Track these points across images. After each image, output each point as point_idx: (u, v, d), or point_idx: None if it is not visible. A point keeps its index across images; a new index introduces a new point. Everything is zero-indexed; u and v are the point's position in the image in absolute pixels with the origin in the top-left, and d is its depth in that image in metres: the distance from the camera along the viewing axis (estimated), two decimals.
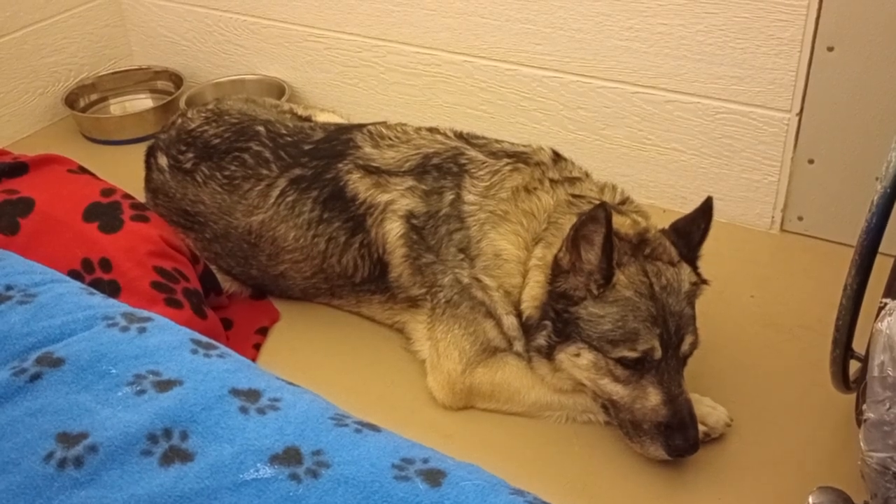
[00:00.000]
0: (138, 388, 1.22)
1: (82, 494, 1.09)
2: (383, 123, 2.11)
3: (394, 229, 1.94)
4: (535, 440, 1.82)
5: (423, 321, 1.96)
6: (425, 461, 1.15)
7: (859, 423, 1.39)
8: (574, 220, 1.70)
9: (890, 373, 1.27)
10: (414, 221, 1.92)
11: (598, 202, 1.69)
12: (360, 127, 2.11)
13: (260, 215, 2.06)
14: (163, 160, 2.22)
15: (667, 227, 1.81)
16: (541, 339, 1.76)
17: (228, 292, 2.21)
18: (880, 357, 1.28)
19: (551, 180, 1.88)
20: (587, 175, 1.96)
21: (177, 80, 3.14)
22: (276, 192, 2.04)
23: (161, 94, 3.18)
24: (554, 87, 2.54)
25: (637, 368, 1.67)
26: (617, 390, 1.70)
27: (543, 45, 2.50)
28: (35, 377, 1.23)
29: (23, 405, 1.19)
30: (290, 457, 1.13)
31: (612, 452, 1.78)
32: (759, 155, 2.34)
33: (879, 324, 1.30)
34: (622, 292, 1.66)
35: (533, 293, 1.77)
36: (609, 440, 1.80)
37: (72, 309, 1.37)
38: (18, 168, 2.10)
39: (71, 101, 3.03)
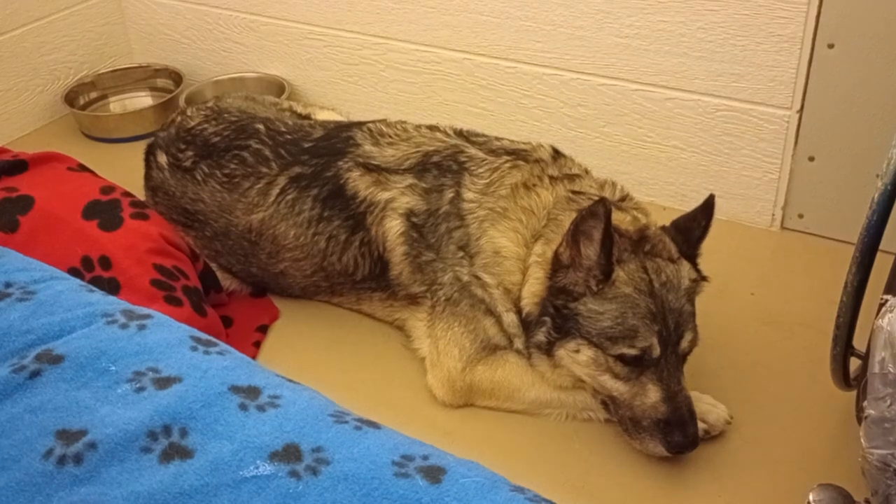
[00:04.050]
0: (138, 385, 1.22)
1: (82, 491, 1.09)
2: (383, 121, 2.10)
3: (394, 227, 1.93)
4: (535, 437, 1.82)
5: (424, 319, 1.96)
6: (425, 458, 1.15)
7: (860, 420, 1.39)
8: (574, 216, 1.70)
9: (891, 369, 1.27)
10: (414, 219, 1.92)
11: (597, 198, 1.69)
12: (359, 125, 2.10)
13: (260, 213, 2.06)
14: (162, 158, 2.21)
15: (667, 224, 1.80)
16: (540, 336, 1.76)
17: (228, 290, 2.21)
18: (881, 354, 1.28)
19: (551, 177, 1.88)
20: (587, 172, 1.96)
21: (176, 77, 3.13)
22: (275, 191, 2.04)
23: (161, 91, 3.17)
24: (554, 85, 2.54)
25: (636, 365, 1.67)
26: (616, 387, 1.70)
27: (543, 42, 2.50)
28: (34, 374, 1.23)
29: (22, 402, 1.19)
30: (289, 454, 1.13)
31: (612, 450, 1.78)
32: (760, 152, 2.34)
33: (880, 321, 1.30)
34: (621, 289, 1.66)
35: (533, 290, 1.77)
36: (609, 437, 1.80)
37: (71, 306, 1.37)
38: (18, 166, 2.10)
39: (70, 98, 3.03)
